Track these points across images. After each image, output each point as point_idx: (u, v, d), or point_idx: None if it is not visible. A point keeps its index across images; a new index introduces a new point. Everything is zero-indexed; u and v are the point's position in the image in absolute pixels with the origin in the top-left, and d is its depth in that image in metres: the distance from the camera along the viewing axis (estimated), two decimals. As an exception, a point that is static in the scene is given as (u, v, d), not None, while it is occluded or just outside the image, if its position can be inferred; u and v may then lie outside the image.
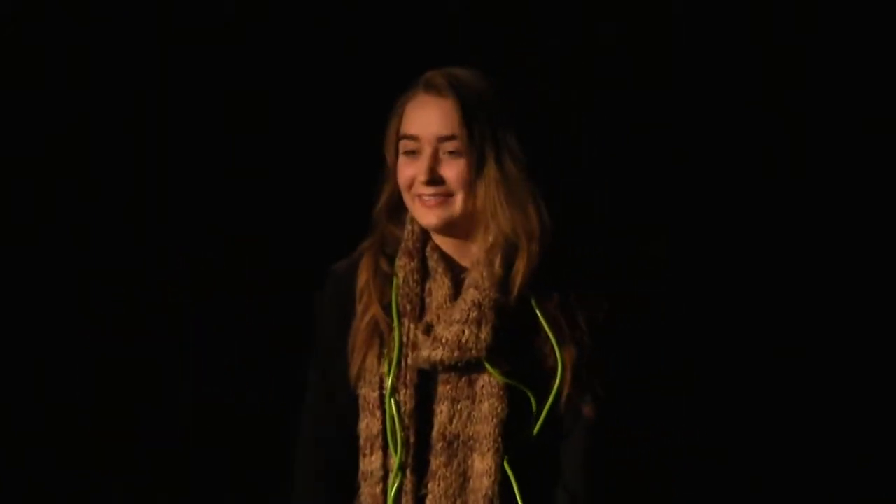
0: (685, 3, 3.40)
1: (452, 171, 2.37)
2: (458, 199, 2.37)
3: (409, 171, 2.38)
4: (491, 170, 2.37)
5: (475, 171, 2.37)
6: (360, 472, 2.38)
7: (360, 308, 2.40)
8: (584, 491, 2.35)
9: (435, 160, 2.36)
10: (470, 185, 2.37)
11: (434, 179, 2.36)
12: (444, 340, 2.32)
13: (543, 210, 2.36)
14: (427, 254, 2.40)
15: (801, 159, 3.40)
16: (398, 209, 2.45)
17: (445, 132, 2.37)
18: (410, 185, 2.37)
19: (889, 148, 3.39)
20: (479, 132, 2.38)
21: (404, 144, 2.39)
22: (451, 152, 2.37)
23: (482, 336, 2.31)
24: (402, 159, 2.40)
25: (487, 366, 2.32)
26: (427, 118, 2.39)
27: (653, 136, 3.40)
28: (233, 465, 3.31)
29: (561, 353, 2.33)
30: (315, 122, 3.36)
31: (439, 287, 2.37)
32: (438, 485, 2.31)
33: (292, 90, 3.35)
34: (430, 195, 2.36)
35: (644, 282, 3.28)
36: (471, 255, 2.39)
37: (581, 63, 3.41)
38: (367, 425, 2.36)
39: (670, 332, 3.29)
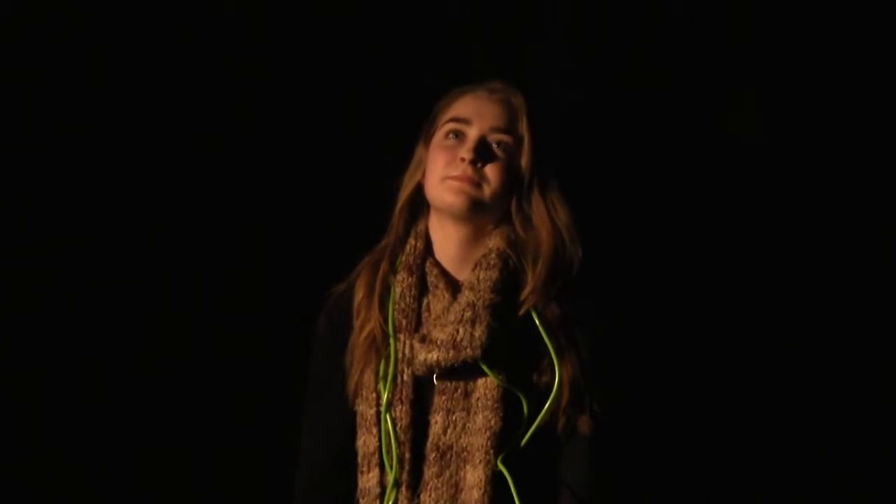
0: (685, 3, 3.38)
1: (495, 162, 2.37)
2: (488, 192, 2.36)
3: (450, 151, 2.39)
4: (534, 181, 2.38)
5: (515, 173, 2.37)
6: (358, 489, 2.37)
7: (357, 324, 2.41)
8: None
9: (483, 144, 2.36)
10: (505, 185, 2.37)
11: (477, 159, 2.34)
12: (438, 342, 2.35)
13: (575, 238, 2.36)
14: (427, 269, 2.40)
15: (800, 159, 3.38)
16: (415, 209, 2.44)
17: (500, 124, 2.39)
18: (446, 164, 2.35)
19: (889, 148, 3.36)
20: (532, 140, 2.39)
21: (451, 126, 2.42)
22: (498, 144, 2.38)
23: (476, 334, 2.33)
24: (443, 142, 2.44)
25: (484, 367, 2.30)
26: (484, 108, 2.46)
27: (653, 136, 3.38)
28: (233, 466, 3.29)
29: (560, 367, 2.32)
30: (316, 123, 3.35)
31: (439, 301, 2.38)
32: (430, 496, 2.34)
33: (293, 91, 3.34)
34: (466, 176, 2.34)
35: (642, 292, 3.26)
36: (468, 268, 2.38)
37: (581, 63, 3.39)
38: (365, 442, 2.39)
39: (668, 342, 3.28)
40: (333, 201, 3.27)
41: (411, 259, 2.44)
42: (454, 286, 2.41)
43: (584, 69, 3.40)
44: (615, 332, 2.44)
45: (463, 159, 2.39)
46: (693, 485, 3.29)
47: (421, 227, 2.46)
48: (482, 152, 2.40)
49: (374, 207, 2.54)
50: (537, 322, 2.38)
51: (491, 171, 2.40)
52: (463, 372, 2.36)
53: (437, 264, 2.44)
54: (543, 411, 2.35)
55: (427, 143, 2.47)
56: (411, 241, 2.46)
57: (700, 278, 3.36)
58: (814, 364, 3.35)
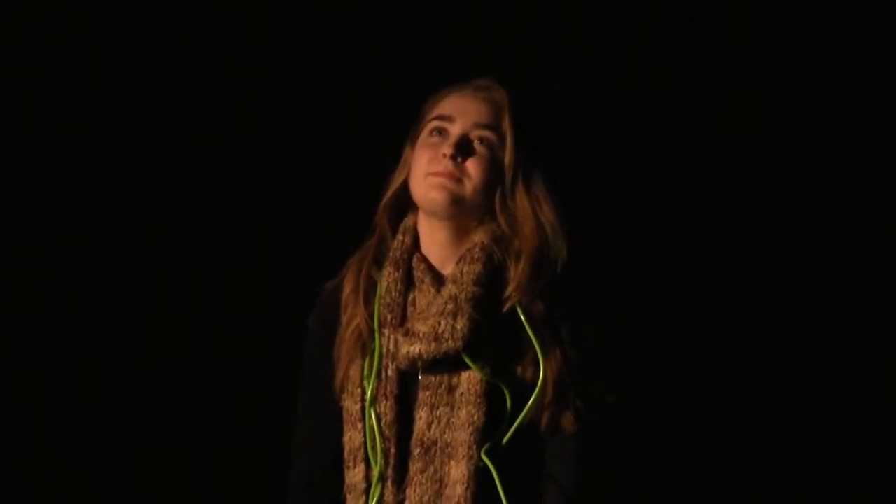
0: (685, 3, 3.38)
1: (477, 158, 2.38)
2: (469, 187, 2.37)
3: (433, 148, 2.40)
4: (517, 176, 2.38)
5: (497, 169, 2.38)
6: (345, 485, 2.37)
7: (344, 319, 2.41)
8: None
9: (464, 140, 2.37)
10: (487, 180, 2.38)
11: (457, 154, 2.36)
12: (420, 334, 2.36)
13: (560, 235, 2.36)
14: (413, 265, 2.41)
15: (800, 159, 3.38)
16: (400, 207, 2.46)
17: (483, 120, 2.40)
18: (428, 161, 2.37)
19: (889, 148, 3.36)
20: (515, 136, 2.39)
21: (434, 124, 2.45)
22: (481, 139, 2.39)
23: (458, 327, 2.34)
24: (427, 140, 2.46)
25: (467, 360, 2.31)
26: (468, 105, 2.48)
27: (653, 136, 3.38)
28: (233, 466, 3.29)
29: (544, 363, 2.32)
30: (316, 123, 3.35)
31: (424, 295, 2.39)
32: (415, 491, 2.36)
33: (293, 91, 3.35)
34: (447, 171, 2.35)
35: (641, 292, 3.26)
36: (454, 263, 2.38)
37: (581, 63, 3.39)
38: (350, 437, 2.40)
39: (665, 342, 3.28)
40: (333, 201, 3.27)
41: (398, 254, 2.45)
42: (440, 281, 2.42)
43: (584, 69, 3.40)
44: (604, 331, 2.44)
45: (444, 155, 2.41)
46: (683, 483, 3.29)
47: (410, 222, 2.48)
48: (463, 148, 2.42)
49: (374, 207, 2.55)
50: (522, 318, 2.38)
51: (472, 166, 2.41)
52: (447, 366, 2.37)
53: (424, 259, 2.45)
54: (527, 406, 2.36)
55: (413, 143, 2.48)
56: (399, 236, 2.47)
57: (699, 278, 3.36)
58: (813, 364, 3.35)
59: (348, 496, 2.42)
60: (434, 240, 2.46)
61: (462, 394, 2.36)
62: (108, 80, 3.31)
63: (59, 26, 3.27)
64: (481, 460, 2.33)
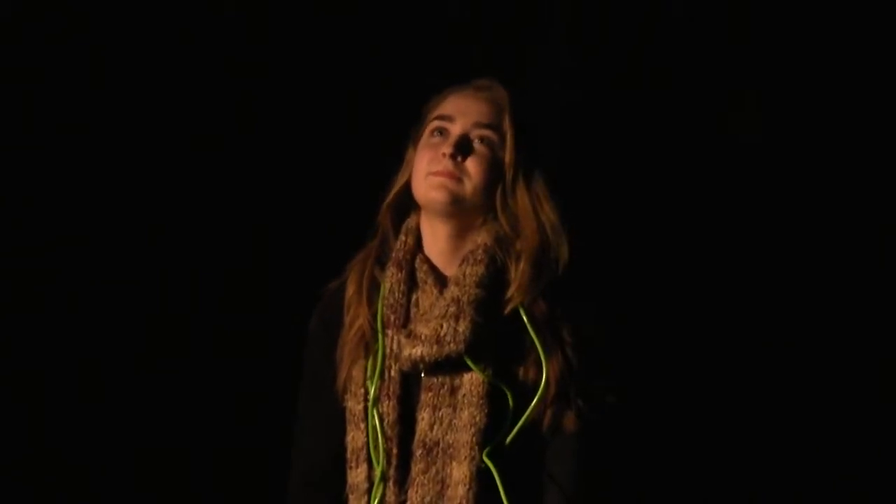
0: (685, 3, 3.38)
1: (476, 157, 2.38)
2: (469, 187, 2.38)
3: (433, 148, 2.41)
4: (518, 176, 2.38)
5: (498, 168, 2.38)
6: (347, 485, 2.37)
7: (347, 320, 2.42)
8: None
9: (464, 139, 2.37)
10: (487, 179, 2.38)
11: (457, 154, 2.36)
12: (422, 337, 2.37)
13: (561, 235, 2.37)
14: (416, 265, 2.41)
15: (800, 159, 3.38)
16: (403, 208, 2.46)
17: (483, 120, 2.41)
18: (429, 161, 2.37)
19: (889, 148, 3.36)
20: (515, 135, 2.40)
21: (435, 125, 2.45)
22: (481, 139, 2.39)
23: (460, 329, 2.35)
24: (428, 140, 2.47)
25: (469, 362, 2.31)
26: (469, 105, 2.48)
27: (653, 136, 3.38)
28: (233, 466, 3.29)
29: (546, 363, 2.33)
30: (316, 123, 3.35)
31: (427, 296, 2.40)
32: (417, 492, 2.37)
33: (293, 91, 3.35)
34: (447, 171, 2.36)
35: (640, 292, 3.26)
36: (456, 264, 2.39)
37: (581, 63, 3.39)
38: (353, 438, 2.41)
39: (664, 342, 3.28)
40: (333, 201, 3.28)
41: (401, 255, 2.46)
42: (442, 282, 2.43)
43: (584, 69, 3.40)
44: (605, 331, 2.45)
45: (444, 155, 2.41)
46: (683, 483, 3.29)
47: (412, 223, 2.48)
48: (463, 147, 2.43)
49: (375, 207, 2.55)
50: (525, 319, 2.38)
51: (472, 165, 2.42)
52: (449, 367, 2.37)
53: (427, 260, 2.46)
54: (530, 408, 2.36)
55: (415, 143, 2.49)
56: (402, 237, 2.48)
57: (699, 278, 3.36)
58: (813, 364, 3.35)
59: (350, 496, 2.42)
60: (436, 240, 2.47)
61: (464, 395, 2.36)
62: (108, 80, 3.31)
63: (59, 26, 3.27)
64: (483, 461, 2.33)
